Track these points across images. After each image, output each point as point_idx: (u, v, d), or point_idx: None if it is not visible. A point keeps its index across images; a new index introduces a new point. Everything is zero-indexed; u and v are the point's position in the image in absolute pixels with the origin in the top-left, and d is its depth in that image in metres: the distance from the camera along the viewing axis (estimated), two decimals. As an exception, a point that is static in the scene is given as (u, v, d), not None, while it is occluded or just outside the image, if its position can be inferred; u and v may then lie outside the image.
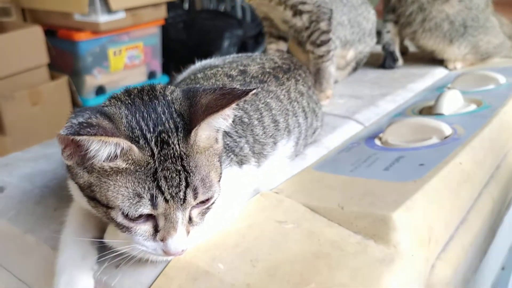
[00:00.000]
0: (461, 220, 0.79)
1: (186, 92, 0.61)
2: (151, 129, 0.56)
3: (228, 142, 0.73)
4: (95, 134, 0.52)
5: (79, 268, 0.66)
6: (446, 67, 1.48)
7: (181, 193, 0.56)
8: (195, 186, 0.57)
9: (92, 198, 0.58)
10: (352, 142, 0.99)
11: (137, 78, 2.74)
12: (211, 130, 0.60)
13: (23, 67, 2.33)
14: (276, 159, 0.84)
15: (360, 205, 0.72)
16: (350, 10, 1.29)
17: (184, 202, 0.57)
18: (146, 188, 0.55)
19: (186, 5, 3.62)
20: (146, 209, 0.56)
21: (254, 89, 0.58)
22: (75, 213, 0.71)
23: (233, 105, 0.57)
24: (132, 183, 0.55)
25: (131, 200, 0.55)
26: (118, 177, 0.55)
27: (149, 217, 0.58)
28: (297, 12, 1.12)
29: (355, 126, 1.07)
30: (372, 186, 0.77)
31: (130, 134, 0.56)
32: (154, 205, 0.55)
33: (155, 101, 0.59)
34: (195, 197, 0.58)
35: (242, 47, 3.00)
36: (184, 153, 0.57)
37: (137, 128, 0.56)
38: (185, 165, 0.56)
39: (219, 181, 0.62)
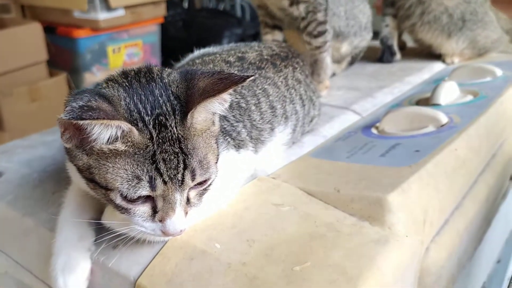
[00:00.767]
0: (457, 205, 0.80)
1: (184, 74, 0.62)
2: (149, 112, 0.57)
3: (225, 126, 0.74)
4: (97, 118, 0.52)
5: (76, 249, 0.66)
6: (443, 61, 1.49)
7: (179, 175, 0.57)
8: (193, 167, 0.58)
9: (91, 180, 0.59)
10: (349, 131, 1.00)
11: (136, 75, 2.74)
12: (207, 113, 0.60)
13: (22, 64, 2.34)
14: (273, 145, 0.85)
15: (356, 188, 0.73)
16: (347, 2, 1.30)
17: (182, 183, 0.57)
18: (145, 170, 0.55)
19: (185, 4, 3.64)
20: (144, 191, 0.56)
21: (252, 75, 0.58)
22: (73, 195, 0.71)
23: (230, 90, 0.58)
24: (131, 166, 0.55)
25: (130, 182, 0.55)
26: (117, 160, 0.56)
27: (148, 198, 0.58)
28: (294, 2, 1.12)
29: (352, 117, 1.08)
30: (368, 171, 0.78)
31: (129, 117, 0.56)
32: (152, 187, 0.56)
33: (152, 83, 0.60)
34: (193, 179, 0.58)
35: (241, 46, 3.00)
36: (182, 136, 0.57)
37: (135, 111, 0.57)
38: (183, 147, 0.57)
39: (216, 162, 0.62)
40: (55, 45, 2.54)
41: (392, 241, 0.64)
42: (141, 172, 0.55)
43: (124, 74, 0.62)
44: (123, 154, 0.55)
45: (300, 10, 1.13)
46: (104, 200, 0.61)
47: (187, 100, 0.58)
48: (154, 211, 0.59)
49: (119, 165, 0.55)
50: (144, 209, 0.59)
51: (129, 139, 0.55)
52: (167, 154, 0.56)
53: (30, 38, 2.38)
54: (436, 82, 1.27)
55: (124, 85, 0.59)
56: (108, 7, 2.52)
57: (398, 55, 1.51)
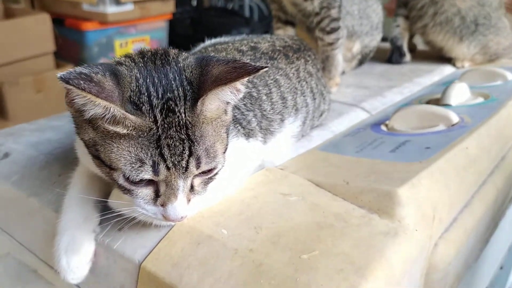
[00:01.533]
0: (465, 204, 0.79)
1: (200, 60, 0.60)
2: (160, 96, 0.56)
3: (236, 114, 0.73)
4: (83, 89, 0.50)
5: (81, 230, 0.66)
6: (454, 65, 1.48)
7: (184, 162, 0.55)
8: (199, 155, 0.56)
9: (97, 157, 0.58)
10: (358, 127, 0.99)
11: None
12: (219, 102, 0.59)
13: (30, 54, 2.34)
14: (282, 137, 0.84)
15: (366, 181, 0.72)
16: (361, 1, 1.30)
17: (186, 170, 0.56)
18: (149, 155, 0.54)
19: (194, 2, 3.64)
20: (147, 175, 0.55)
21: (266, 66, 0.57)
22: (80, 175, 0.71)
23: (243, 80, 0.56)
24: (135, 148, 0.54)
25: (133, 165, 0.54)
26: (121, 141, 0.55)
27: (151, 181, 0.57)
28: None
29: (362, 114, 1.07)
30: (377, 165, 0.77)
31: (136, 99, 0.55)
32: (155, 171, 0.55)
33: (167, 66, 0.59)
34: (198, 167, 0.57)
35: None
36: (190, 122, 0.56)
37: (146, 93, 0.55)
38: (190, 134, 0.56)
39: (224, 152, 0.61)
40: (63, 36, 2.54)
41: (401, 234, 0.63)
42: (145, 156, 0.54)
43: (141, 54, 0.61)
44: (126, 137, 0.54)
45: (314, 5, 1.12)
46: (108, 178, 0.60)
47: (199, 86, 0.57)
48: (157, 194, 0.58)
49: (123, 146, 0.55)
50: (146, 192, 0.58)
51: (129, 123, 0.54)
52: (172, 140, 0.55)
53: (38, 29, 2.37)
54: (446, 84, 1.26)
55: (140, 65, 0.59)
56: (117, 1, 2.53)
57: (407, 57, 1.51)
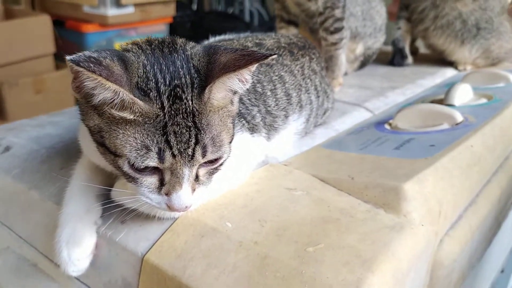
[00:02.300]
0: (470, 202, 0.78)
1: (207, 49, 0.60)
2: (167, 82, 0.55)
3: (240, 109, 0.73)
4: (93, 72, 0.50)
5: (83, 222, 0.65)
6: (456, 68, 1.48)
7: (190, 150, 0.55)
8: (205, 144, 0.56)
9: (101, 144, 0.57)
10: (362, 126, 0.99)
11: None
12: (226, 91, 0.58)
13: (30, 55, 2.33)
14: (286, 134, 0.84)
15: (371, 176, 0.72)
16: (364, 2, 1.30)
17: (192, 158, 0.56)
18: (155, 141, 0.54)
19: (194, 6, 3.65)
20: (152, 162, 0.54)
21: (274, 54, 0.57)
22: (82, 167, 0.70)
23: (251, 67, 0.56)
24: (141, 135, 0.54)
25: (138, 151, 0.54)
26: (127, 127, 0.54)
27: (156, 170, 0.57)
28: None
29: (365, 113, 1.07)
30: (382, 161, 0.77)
31: (144, 85, 0.55)
32: (161, 159, 0.54)
33: (175, 54, 0.58)
34: (204, 155, 0.56)
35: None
36: (197, 110, 0.55)
37: (153, 80, 0.55)
38: (197, 121, 0.55)
39: (230, 142, 0.61)
40: (63, 38, 2.53)
41: (408, 229, 0.62)
42: (151, 142, 0.54)
43: (149, 41, 0.61)
44: (133, 123, 0.54)
45: (318, 4, 1.12)
46: (113, 166, 0.59)
47: (207, 74, 0.57)
48: (161, 183, 0.57)
49: (129, 132, 0.54)
50: (151, 180, 0.57)
51: (136, 109, 0.54)
52: (178, 127, 0.54)
53: (38, 30, 2.37)
54: (449, 86, 1.26)
55: (147, 52, 0.58)
56: (118, 4, 2.53)
57: (409, 59, 1.51)
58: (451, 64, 1.50)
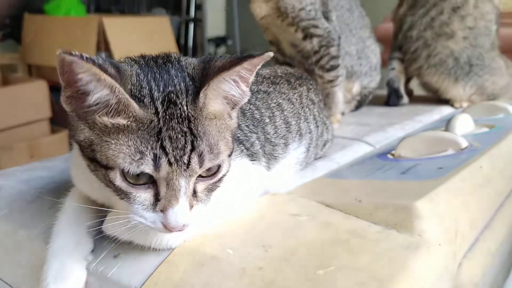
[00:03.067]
0: (486, 224, 0.74)
1: (203, 58, 0.59)
2: (161, 89, 0.53)
3: (239, 135, 0.70)
4: (87, 61, 0.48)
5: (72, 257, 0.60)
6: (452, 105, 1.47)
7: (186, 157, 0.52)
8: (201, 151, 0.52)
9: (92, 159, 0.54)
10: (363, 158, 0.96)
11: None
12: (223, 97, 0.56)
13: (25, 120, 2.34)
14: (286, 163, 0.80)
15: (379, 198, 0.68)
16: (358, 42, 1.31)
17: (188, 167, 0.52)
18: (149, 147, 0.51)
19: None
20: (148, 168, 0.51)
21: (270, 51, 0.55)
22: (72, 200, 0.66)
23: (247, 66, 0.54)
24: (135, 142, 0.51)
25: (132, 157, 0.51)
26: (120, 136, 0.51)
27: (151, 184, 0.53)
28: (308, 35, 1.12)
29: (365, 147, 1.04)
30: (390, 184, 0.73)
31: (137, 92, 0.53)
32: (156, 166, 0.51)
33: (169, 64, 0.57)
34: (201, 164, 0.53)
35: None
36: (192, 116, 0.53)
37: (147, 88, 0.53)
38: (192, 127, 0.52)
39: (229, 156, 0.57)
40: (59, 103, 2.55)
41: (424, 248, 0.58)
42: (145, 148, 0.51)
43: (143, 56, 0.59)
44: (126, 130, 0.51)
45: (313, 43, 1.13)
46: (105, 183, 0.55)
47: (202, 79, 0.55)
48: (156, 199, 0.53)
49: (122, 141, 0.51)
50: (145, 196, 0.53)
51: (131, 113, 0.51)
52: (174, 132, 0.51)
53: (35, 95, 2.40)
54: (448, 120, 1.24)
55: (141, 63, 0.57)
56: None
57: (405, 99, 1.50)
58: (447, 102, 1.49)
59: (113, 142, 0.51)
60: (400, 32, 1.52)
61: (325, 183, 0.80)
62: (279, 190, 0.77)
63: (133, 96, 0.52)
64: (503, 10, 1.59)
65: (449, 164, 0.80)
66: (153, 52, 0.62)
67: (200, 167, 0.53)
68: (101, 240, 0.63)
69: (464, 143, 0.89)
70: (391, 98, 1.48)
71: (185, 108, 0.53)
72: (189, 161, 0.52)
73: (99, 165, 0.53)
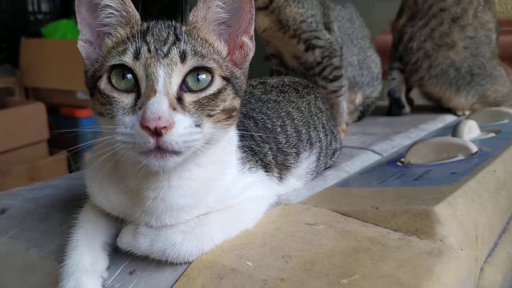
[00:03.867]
0: (503, 229, 0.73)
1: None
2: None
3: (252, 146, 0.69)
4: None
5: (87, 274, 0.59)
6: (454, 114, 1.48)
7: (166, 47, 0.55)
8: (184, 49, 0.55)
9: (93, 87, 0.57)
10: (373, 166, 0.95)
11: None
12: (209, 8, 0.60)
13: (24, 142, 2.33)
14: (298, 173, 0.79)
15: (396, 204, 0.67)
16: (359, 52, 1.31)
17: (167, 56, 0.54)
18: (133, 42, 0.56)
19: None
20: (128, 57, 0.55)
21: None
22: (86, 216, 0.65)
23: None
24: (124, 42, 0.57)
25: (118, 49, 0.57)
26: (116, 45, 0.58)
27: (133, 90, 0.55)
28: (310, 47, 1.13)
29: (373, 156, 1.04)
30: (405, 191, 0.72)
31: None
32: (136, 55, 0.55)
33: None
34: (183, 58, 0.55)
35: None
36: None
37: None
38: (178, 32, 0.58)
39: (223, 78, 0.58)
40: (57, 124, 2.53)
41: (447, 253, 0.57)
42: (130, 43, 0.56)
43: None
44: (122, 39, 0.58)
45: (316, 54, 1.13)
46: (97, 105, 0.57)
47: None
48: (136, 101, 0.53)
49: (115, 41, 0.59)
50: (127, 100, 0.54)
51: (133, 19, 0.59)
52: (159, 30, 0.58)
53: (33, 118, 2.39)
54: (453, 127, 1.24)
55: None
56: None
57: (407, 108, 1.50)
58: (449, 111, 1.49)
59: (110, 54, 0.57)
60: (400, 44, 1.52)
61: (337, 192, 0.79)
62: (291, 200, 0.76)
63: None
64: (500, 18, 1.61)
65: (462, 169, 0.79)
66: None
67: (182, 61, 0.55)
68: (116, 256, 0.61)
69: (474, 148, 0.88)
70: (393, 108, 1.49)
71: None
72: (168, 51, 0.55)
73: (99, 93, 0.56)
